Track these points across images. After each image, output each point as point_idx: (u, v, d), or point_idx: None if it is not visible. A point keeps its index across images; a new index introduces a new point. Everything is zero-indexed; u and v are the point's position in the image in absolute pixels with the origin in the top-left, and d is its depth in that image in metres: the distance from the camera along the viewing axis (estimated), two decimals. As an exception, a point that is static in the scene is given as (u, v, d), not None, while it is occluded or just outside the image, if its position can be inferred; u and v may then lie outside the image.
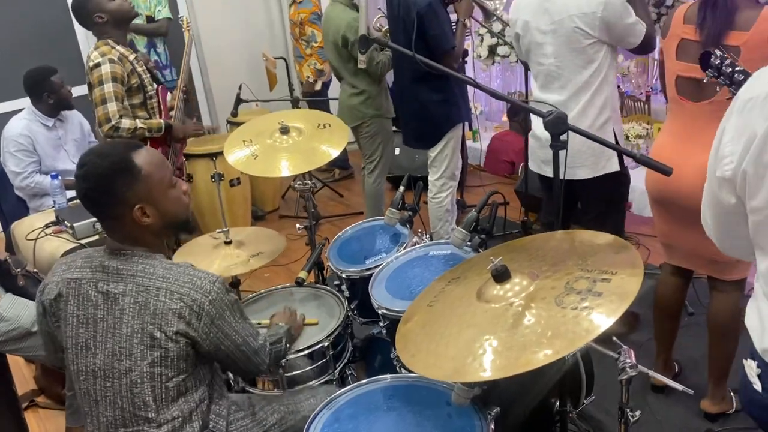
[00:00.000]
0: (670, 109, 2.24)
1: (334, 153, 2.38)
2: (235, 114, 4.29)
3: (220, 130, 5.10)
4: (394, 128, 3.86)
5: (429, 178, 3.44)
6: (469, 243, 1.90)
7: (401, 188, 2.25)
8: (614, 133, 2.51)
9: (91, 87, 2.81)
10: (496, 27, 5.26)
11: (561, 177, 1.68)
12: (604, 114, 2.47)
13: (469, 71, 5.71)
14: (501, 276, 1.42)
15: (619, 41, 2.41)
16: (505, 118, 5.60)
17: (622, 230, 2.82)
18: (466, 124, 3.84)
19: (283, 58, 4.61)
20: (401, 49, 1.86)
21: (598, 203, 2.63)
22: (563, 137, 1.67)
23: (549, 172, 2.56)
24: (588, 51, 2.38)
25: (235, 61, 5.48)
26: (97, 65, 2.76)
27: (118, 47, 2.85)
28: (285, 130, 2.32)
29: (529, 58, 2.60)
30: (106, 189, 1.48)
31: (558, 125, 1.66)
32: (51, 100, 3.48)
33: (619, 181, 2.60)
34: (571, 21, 2.34)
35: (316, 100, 4.84)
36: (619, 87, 4.06)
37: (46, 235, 2.89)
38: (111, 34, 2.86)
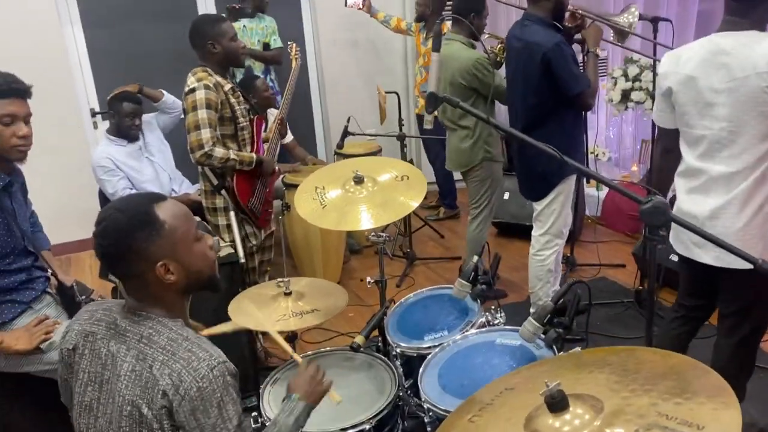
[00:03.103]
0: None
1: (413, 204, 2.17)
2: (341, 146, 4.23)
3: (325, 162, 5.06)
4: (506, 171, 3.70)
5: (533, 233, 3.17)
6: (542, 337, 1.62)
7: (475, 258, 1.99)
8: None
9: (185, 111, 2.80)
10: (633, 71, 4.86)
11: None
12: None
13: (601, 116, 5.32)
14: (556, 405, 1.14)
15: None
16: (635, 167, 5.13)
17: (764, 327, 2.36)
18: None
19: (395, 93, 4.48)
20: (473, 111, 1.62)
21: (745, 295, 2.19)
22: (662, 231, 1.37)
23: (702, 257, 2.13)
24: None
25: (352, 93, 5.46)
26: (192, 90, 2.73)
27: (216, 76, 2.82)
28: (359, 180, 2.15)
29: (687, 121, 2.15)
30: (127, 245, 1.36)
31: (656, 216, 1.36)
32: (113, 121, 3.62)
33: None
34: (759, 79, 1.93)
35: (432, 138, 4.70)
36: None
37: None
38: (213, 66, 2.84)
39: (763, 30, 1.99)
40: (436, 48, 1.72)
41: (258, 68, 4.60)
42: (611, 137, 5.58)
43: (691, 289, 2.39)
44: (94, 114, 4.86)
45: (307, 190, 2.18)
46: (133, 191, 3.65)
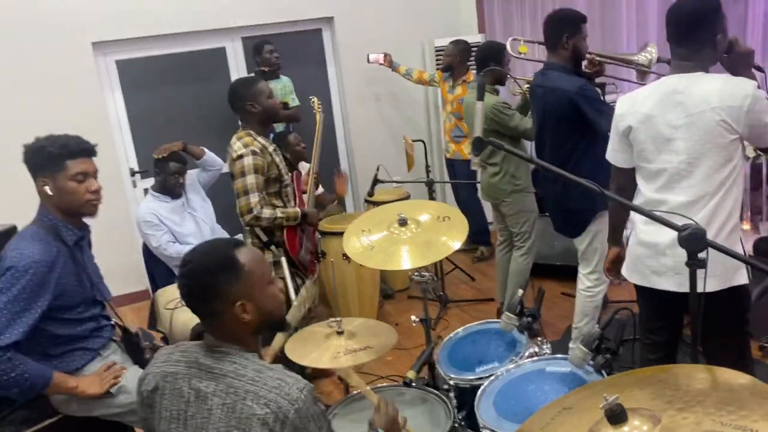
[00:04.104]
0: None
1: (454, 245, 2.29)
2: (371, 194, 4.38)
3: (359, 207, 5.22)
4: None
5: (580, 271, 3.25)
6: (591, 363, 1.71)
7: (520, 291, 2.10)
8: (741, 241, 2.19)
9: (233, 176, 2.91)
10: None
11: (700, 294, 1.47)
12: (733, 219, 2.16)
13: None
14: (615, 418, 1.23)
15: (756, 140, 2.13)
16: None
17: (749, 349, 2.40)
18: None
19: (422, 141, 4.65)
20: (516, 152, 1.76)
21: (723, 319, 2.22)
22: (702, 254, 1.47)
23: (660, 284, 2.23)
24: (729, 147, 2.10)
25: (378, 143, 5.66)
26: (240, 157, 2.83)
27: (260, 138, 2.94)
28: (403, 222, 2.28)
29: (646, 156, 2.28)
30: (210, 285, 1.50)
31: (695, 242, 1.47)
32: (159, 179, 3.82)
33: (746, 294, 2.24)
34: (714, 114, 2.08)
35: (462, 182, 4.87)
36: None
37: (182, 305, 3.05)
38: (254, 126, 2.95)
39: (707, 71, 2.18)
40: (480, 97, 1.88)
41: (278, 126, 4.82)
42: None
43: (653, 317, 2.43)
44: (133, 173, 5.09)
45: (355, 233, 2.31)
46: (176, 244, 3.82)
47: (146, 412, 1.63)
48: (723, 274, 2.14)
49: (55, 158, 2.11)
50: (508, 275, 4.01)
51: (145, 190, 4.97)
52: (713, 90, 2.08)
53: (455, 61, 4.81)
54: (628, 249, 2.41)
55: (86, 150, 2.18)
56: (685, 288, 2.10)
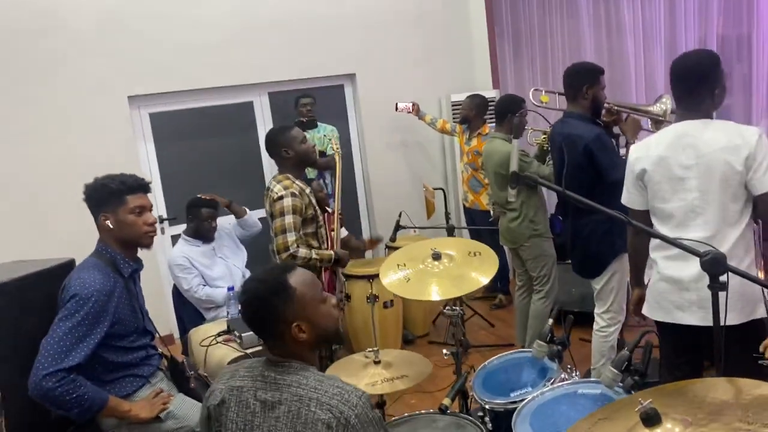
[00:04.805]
0: None
1: (484, 280, 2.43)
2: (393, 239, 4.53)
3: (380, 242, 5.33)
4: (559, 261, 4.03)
5: (595, 311, 3.37)
6: (621, 384, 1.82)
7: (550, 321, 2.22)
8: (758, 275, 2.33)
9: (272, 216, 3.08)
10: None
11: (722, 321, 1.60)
12: (749, 255, 2.29)
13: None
14: (650, 420, 1.35)
15: (759, 184, 2.24)
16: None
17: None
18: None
19: (442, 189, 4.83)
20: (551, 185, 1.92)
21: (743, 353, 2.34)
22: (722, 278, 1.61)
23: (684, 319, 2.34)
24: (738, 186, 2.26)
25: (396, 189, 5.85)
26: (281, 198, 3.01)
27: (297, 181, 3.13)
28: (437, 257, 2.43)
29: (662, 196, 2.42)
30: (267, 310, 1.64)
31: (717, 266, 1.61)
32: (192, 225, 3.98)
33: (763, 327, 2.34)
34: (723, 153, 2.25)
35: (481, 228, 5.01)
36: None
37: (217, 342, 3.17)
38: (291, 170, 3.16)
39: (711, 118, 2.37)
40: (517, 136, 2.06)
41: (312, 173, 5.02)
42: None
43: (676, 353, 2.52)
44: (162, 220, 5.28)
45: (391, 267, 2.46)
46: (206, 287, 3.96)
47: (213, 428, 1.74)
48: (743, 308, 2.26)
49: (115, 194, 2.29)
50: (527, 319, 4.12)
51: (173, 237, 5.16)
52: (722, 133, 2.26)
53: (471, 114, 5.02)
54: (650, 286, 2.52)
55: (143, 186, 2.36)
56: (708, 322, 2.19)
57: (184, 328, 4.05)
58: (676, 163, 2.36)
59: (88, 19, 4.71)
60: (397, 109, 5.48)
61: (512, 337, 4.52)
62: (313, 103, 5.27)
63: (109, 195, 2.30)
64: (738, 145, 2.23)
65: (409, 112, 5.50)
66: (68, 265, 2.44)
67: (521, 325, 4.21)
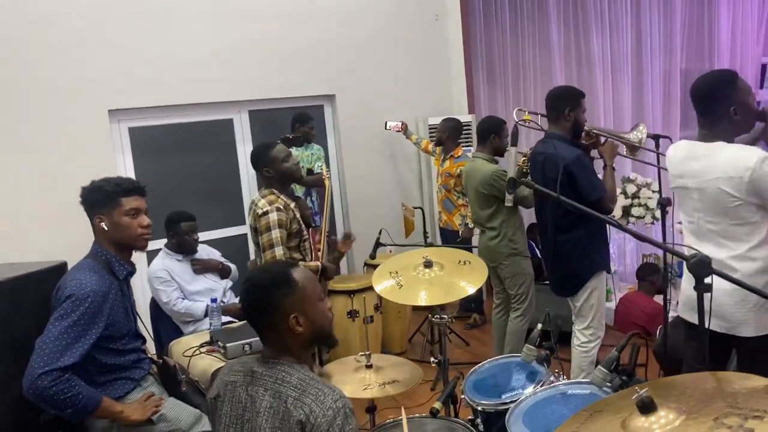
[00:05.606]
0: None
1: (471, 289, 2.50)
2: (373, 256, 4.59)
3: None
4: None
5: (575, 327, 3.46)
6: (610, 384, 1.90)
7: (539, 325, 2.30)
8: None
9: (257, 231, 3.13)
10: (630, 189, 5.37)
11: (707, 324, 1.69)
12: (765, 276, 2.33)
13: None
14: (647, 407, 1.43)
15: None
16: (636, 278, 5.51)
17: None
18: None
19: (420, 208, 4.92)
20: (546, 191, 2.02)
21: (757, 365, 2.38)
22: (707, 280, 1.71)
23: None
24: (738, 210, 2.31)
25: (374, 208, 5.91)
26: (266, 213, 3.08)
27: (282, 196, 3.20)
28: (429, 264, 2.50)
29: (682, 203, 2.54)
30: (267, 299, 1.69)
31: (701, 268, 1.71)
32: (173, 240, 3.97)
33: None
34: (717, 182, 2.32)
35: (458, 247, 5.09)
36: None
37: (201, 353, 3.16)
38: (275, 186, 3.23)
39: (731, 142, 2.39)
40: (514, 143, 2.15)
41: (299, 190, 5.07)
42: (613, 255, 5.99)
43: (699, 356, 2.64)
44: (138, 235, 5.23)
45: (384, 275, 2.52)
46: (185, 301, 3.94)
47: (214, 420, 1.77)
48: (759, 321, 2.34)
49: (110, 195, 2.31)
50: (504, 337, 4.19)
51: (148, 253, 5.11)
52: (719, 161, 2.32)
53: (444, 137, 5.12)
54: (682, 288, 2.61)
55: (138, 189, 2.39)
56: (724, 330, 2.33)
57: (160, 341, 4.01)
58: (683, 183, 2.47)
59: (69, 31, 4.71)
60: (386, 127, 5.64)
61: (488, 355, 4.53)
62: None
63: (104, 197, 2.32)
64: (731, 176, 2.27)
65: (398, 131, 5.67)
66: (60, 268, 2.44)
67: (498, 343, 4.29)
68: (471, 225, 4.94)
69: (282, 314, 1.68)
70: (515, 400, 2.11)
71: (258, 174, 3.33)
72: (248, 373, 1.71)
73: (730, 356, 2.53)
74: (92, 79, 4.82)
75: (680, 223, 5.17)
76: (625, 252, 6.40)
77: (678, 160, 2.50)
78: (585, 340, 3.39)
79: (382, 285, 2.48)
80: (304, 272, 1.77)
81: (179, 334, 3.93)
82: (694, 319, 2.47)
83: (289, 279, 1.71)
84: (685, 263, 1.75)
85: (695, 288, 1.73)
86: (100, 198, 2.32)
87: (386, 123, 5.64)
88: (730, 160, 2.29)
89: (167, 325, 4.08)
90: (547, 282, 3.65)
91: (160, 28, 5.02)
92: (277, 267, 1.77)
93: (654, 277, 4.99)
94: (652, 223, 5.24)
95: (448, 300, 2.51)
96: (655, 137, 3.40)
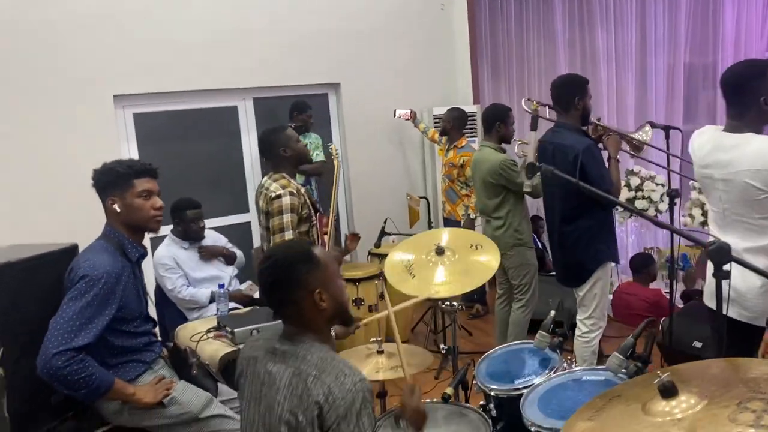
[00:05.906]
0: None
1: (495, 264, 2.47)
2: (378, 245, 4.59)
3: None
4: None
5: (578, 317, 3.46)
6: (625, 370, 1.91)
7: (552, 312, 2.30)
8: None
9: (268, 215, 3.10)
10: (634, 181, 5.38)
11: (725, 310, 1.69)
12: None
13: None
14: (668, 392, 1.43)
15: None
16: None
17: None
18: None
19: (425, 198, 4.92)
20: (567, 177, 2.01)
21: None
22: (726, 267, 1.71)
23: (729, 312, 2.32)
24: (765, 203, 2.30)
25: (378, 198, 5.91)
26: (279, 197, 3.04)
27: (294, 181, 3.19)
28: (440, 251, 2.49)
29: (707, 198, 2.53)
30: (291, 274, 1.68)
31: (721, 255, 1.71)
32: (179, 228, 3.96)
33: None
34: (743, 175, 2.31)
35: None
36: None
37: (209, 338, 3.16)
38: (287, 169, 3.20)
39: (760, 133, 2.38)
40: (534, 128, 2.14)
41: (299, 178, 5.06)
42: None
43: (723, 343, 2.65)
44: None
45: (395, 265, 2.51)
46: (190, 288, 3.94)
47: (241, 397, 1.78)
48: None
49: (123, 177, 2.30)
50: (506, 328, 4.20)
51: (152, 240, 5.10)
52: (748, 153, 2.30)
53: (448, 126, 5.12)
54: (708, 277, 2.58)
55: (150, 170, 2.38)
56: (744, 318, 2.33)
57: (164, 328, 4.01)
58: (709, 173, 2.45)
59: (75, 16, 4.68)
60: (395, 115, 5.63)
61: (490, 345, 4.51)
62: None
63: (116, 178, 2.31)
64: (758, 169, 2.26)
65: (408, 119, 5.66)
66: (72, 250, 2.43)
67: (501, 334, 4.30)
68: (472, 216, 4.96)
69: (306, 290, 1.68)
70: (529, 386, 2.11)
71: (268, 159, 3.29)
72: (269, 350, 1.72)
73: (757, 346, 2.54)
74: (98, 64, 4.79)
75: (687, 215, 5.21)
76: (627, 246, 6.42)
77: (705, 151, 2.47)
78: (586, 330, 3.40)
79: (396, 278, 2.46)
80: (323, 251, 1.80)
81: (184, 320, 3.93)
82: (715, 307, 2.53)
83: (312, 256, 1.72)
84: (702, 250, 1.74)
85: (713, 275, 1.73)
86: (112, 179, 2.31)
87: (395, 111, 5.64)
88: (759, 153, 2.28)
89: (172, 311, 4.08)
90: (551, 273, 3.66)
91: (167, 12, 5.00)
92: (298, 245, 1.79)
93: (649, 267, 5.01)
94: (656, 215, 5.25)
95: (474, 286, 2.49)
96: (665, 128, 3.40)
